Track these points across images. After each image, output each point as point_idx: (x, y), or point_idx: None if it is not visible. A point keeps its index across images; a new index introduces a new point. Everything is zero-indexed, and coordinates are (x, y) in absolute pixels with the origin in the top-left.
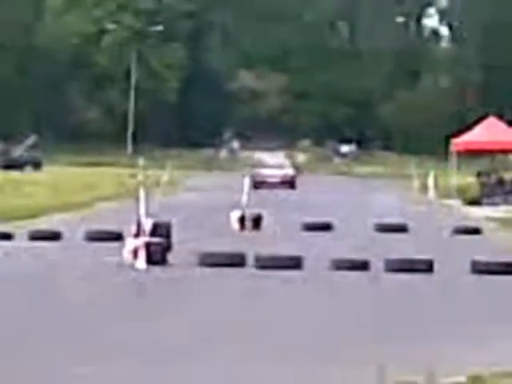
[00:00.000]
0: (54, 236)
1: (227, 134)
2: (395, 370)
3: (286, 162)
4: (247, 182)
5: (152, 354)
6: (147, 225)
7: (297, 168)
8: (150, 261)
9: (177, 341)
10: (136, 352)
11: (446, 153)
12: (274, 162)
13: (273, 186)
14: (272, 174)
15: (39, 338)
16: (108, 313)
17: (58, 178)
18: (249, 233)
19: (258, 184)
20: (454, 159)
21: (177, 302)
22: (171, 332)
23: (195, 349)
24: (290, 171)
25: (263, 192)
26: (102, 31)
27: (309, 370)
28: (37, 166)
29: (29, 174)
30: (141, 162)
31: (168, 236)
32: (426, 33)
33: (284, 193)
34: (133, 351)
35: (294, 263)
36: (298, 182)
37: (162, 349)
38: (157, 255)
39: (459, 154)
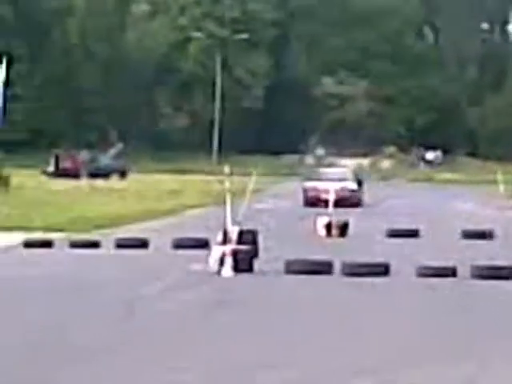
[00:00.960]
0: (141, 244)
1: (312, 140)
2: None
3: (349, 173)
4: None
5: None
6: (233, 232)
7: (359, 181)
8: (237, 268)
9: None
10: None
11: None
12: (333, 174)
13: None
14: (326, 188)
15: (129, 346)
16: (196, 323)
17: (144, 185)
18: (335, 239)
19: (310, 200)
20: None
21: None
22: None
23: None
24: (350, 184)
25: None
26: (187, 39)
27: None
28: (123, 174)
29: (115, 182)
30: (226, 169)
31: (254, 243)
32: (511, 38)
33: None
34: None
35: (382, 270)
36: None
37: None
38: (243, 263)
39: None
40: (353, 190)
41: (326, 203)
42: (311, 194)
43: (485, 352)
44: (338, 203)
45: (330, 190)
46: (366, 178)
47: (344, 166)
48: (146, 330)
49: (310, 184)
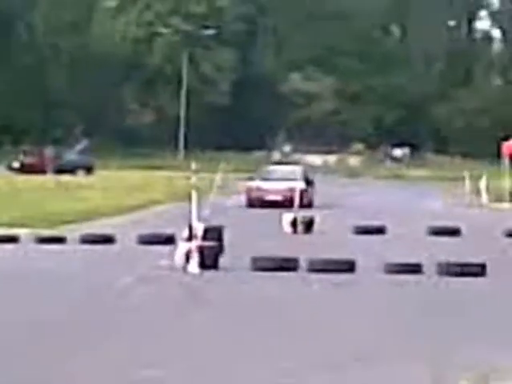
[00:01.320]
0: (107, 239)
1: (280, 137)
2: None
3: (298, 172)
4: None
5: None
6: (199, 229)
7: (308, 181)
8: (203, 265)
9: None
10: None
11: (499, 155)
12: (280, 173)
13: (273, 204)
14: (272, 188)
15: (94, 340)
16: (163, 316)
17: (111, 181)
18: (301, 236)
19: (252, 202)
20: (506, 162)
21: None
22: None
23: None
24: (298, 184)
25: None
26: (154, 35)
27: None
28: (89, 170)
29: (81, 178)
30: (193, 165)
31: (220, 240)
32: (478, 35)
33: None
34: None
35: (347, 267)
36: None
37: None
38: (209, 259)
39: (511, 157)
40: (301, 190)
41: (271, 205)
42: (255, 194)
43: (440, 353)
44: (283, 204)
45: (276, 190)
46: (332, 176)
47: (297, 164)
48: (112, 327)
49: (253, 184)
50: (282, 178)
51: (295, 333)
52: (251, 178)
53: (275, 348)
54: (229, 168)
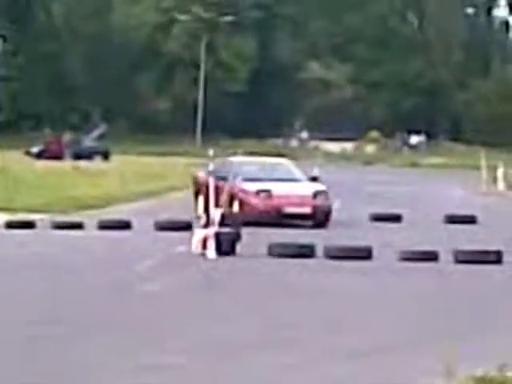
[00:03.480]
0: (124, 225)
1: (297, 124)
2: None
3: (296, 170)
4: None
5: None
6: (216, 215)
7: (313, 178)
8: (220, 251)
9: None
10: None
11: None
12: (270, 168)
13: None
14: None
15: (111, 328)
16: (182, 305)
17: (128, 167)
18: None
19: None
20: None
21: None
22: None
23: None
24: (313, 188)
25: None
26: (172, 21)
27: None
28: (106, 156)
29: (98, 163)
30: (211, 152)
31: (237, 226)
32: (496, 23)
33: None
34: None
35: (364, 254)
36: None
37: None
38: (226, 245)
39: None
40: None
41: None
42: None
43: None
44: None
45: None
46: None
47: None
48: (133, 313)
49: (254, 185)
50: (279, 178)
51: (314, 321)
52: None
53: (293, 335)
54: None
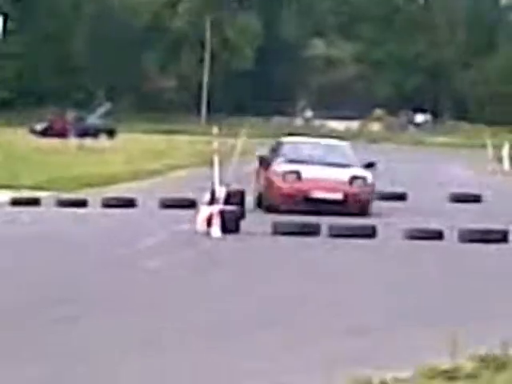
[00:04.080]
0: (128, 203)
1: (301, 103)
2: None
3: (348, 150)
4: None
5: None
6: (221, 193)
7: (370, 163)
8: (224, 229)
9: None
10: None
11: None
12: (323, 150)
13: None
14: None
15: (121, 305)
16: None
17: (132, 145)
18: None
19: (281, 201)
20: None
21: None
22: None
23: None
24: (352, 173)
25: None
26: None
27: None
28: (111, 133)
29: (103, 141)
30: (215, 130)
31: (241, 204)
32: (502, 2)
33: None
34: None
35: (368, 232)
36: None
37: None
38: (230, 223)
39: None
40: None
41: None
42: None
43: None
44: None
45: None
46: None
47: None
48: (137, 290)
49: (285, 167)
50: (330, 162)
51: (317, 297)
52: (264, 158)
53: (296, 311)
54: (251, 133)
